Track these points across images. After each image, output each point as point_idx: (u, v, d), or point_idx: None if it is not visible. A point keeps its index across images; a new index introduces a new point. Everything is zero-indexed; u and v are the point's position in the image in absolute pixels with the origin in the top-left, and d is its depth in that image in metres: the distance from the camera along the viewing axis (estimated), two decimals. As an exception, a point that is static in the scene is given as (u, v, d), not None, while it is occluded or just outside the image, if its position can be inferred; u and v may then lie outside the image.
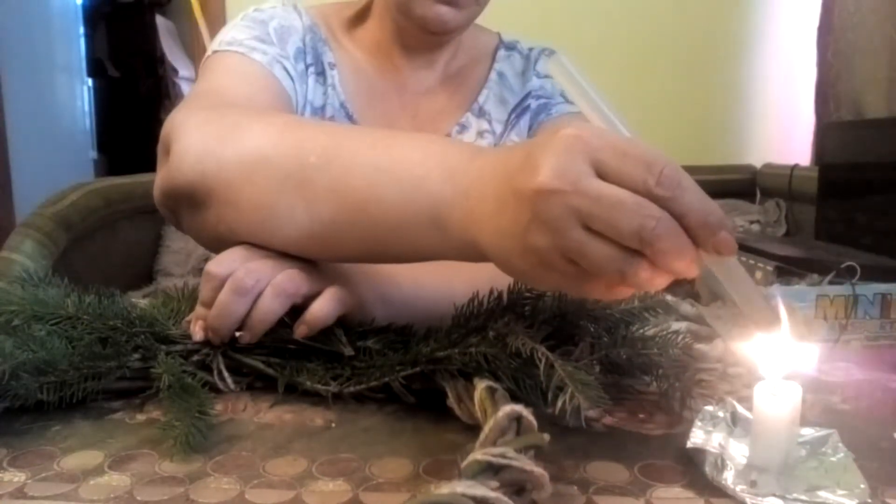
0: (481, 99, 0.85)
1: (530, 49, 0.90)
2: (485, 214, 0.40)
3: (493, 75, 0.87)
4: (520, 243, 0.37)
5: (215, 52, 0.73)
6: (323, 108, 0.80)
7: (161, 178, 0.57)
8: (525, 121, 0.87)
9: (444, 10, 0.74)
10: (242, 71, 0.71)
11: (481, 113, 0.85)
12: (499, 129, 0.85)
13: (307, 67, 0.79)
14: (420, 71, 0.84)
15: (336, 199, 0.47)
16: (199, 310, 0.51)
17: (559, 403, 0.40)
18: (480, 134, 0.84)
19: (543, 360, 0.42)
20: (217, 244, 0.54)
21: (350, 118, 0.80)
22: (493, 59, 0.88)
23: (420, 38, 0.80)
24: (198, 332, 0.51)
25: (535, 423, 0.36)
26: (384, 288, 0.56)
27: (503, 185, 0.38)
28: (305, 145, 0.50)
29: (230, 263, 0.50)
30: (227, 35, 0.75)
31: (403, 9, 0.76)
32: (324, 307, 0.50)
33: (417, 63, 0.84)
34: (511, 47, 0.90)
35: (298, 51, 0.78)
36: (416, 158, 0.45)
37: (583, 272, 0.36)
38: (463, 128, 0.84)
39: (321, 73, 0.80)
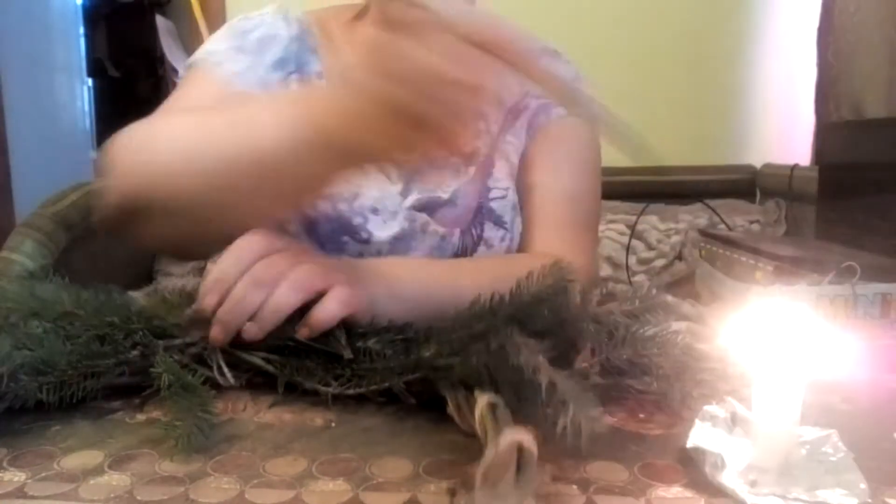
0: None
1: None
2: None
3: None
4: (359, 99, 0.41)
5: (192, 63, 0.75)
6: None
7: (108, 193, 0.57)
8: (522, 121, 0.85)
9: None
10: (206, 87, 0.72)
11: None
12: (494, 128, 0.84)
13: (289, 75, 0.78)
14: None
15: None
16: (210, 287, 0.50)
17: (560, 425, 0.40)
18: (476, 133, 0.83)
19: (545, 381, 0.42)
20: (175, 241, 0.54)
21: None
22: None
23: None
24: (211, 300, 0.50)
25: (535, 452, 0.35)
26: (393, 286, 0.56)
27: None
28: (214, 127, 0.53)
29: (254, 248, 0.50)
30: (208, 45, 0.76)
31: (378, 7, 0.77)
32: (328, 309, 0.50)
33: None
34: None
35: (279, 60, 0.77)
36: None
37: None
38: None
39: (305, 83, 0.80)
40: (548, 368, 0.42)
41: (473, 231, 0.78)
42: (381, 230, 0.76)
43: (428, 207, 0.77)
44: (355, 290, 0.52)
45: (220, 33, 0.78)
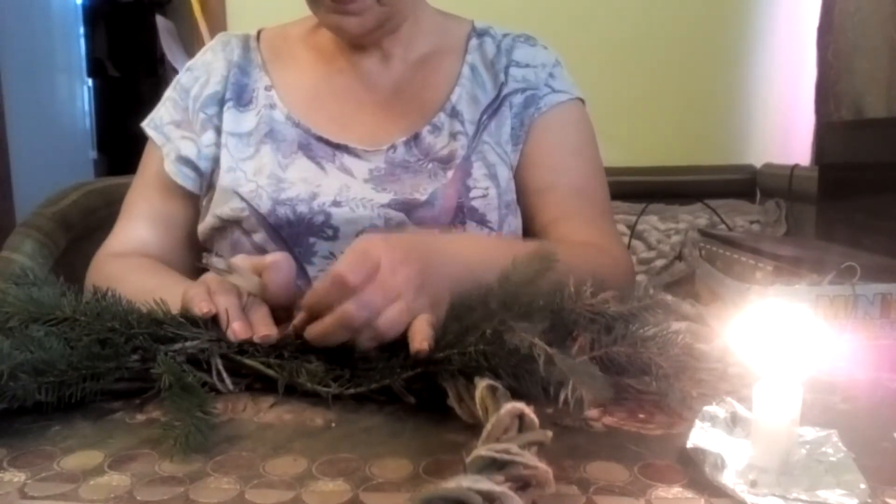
0: (454, 98, 0.83)
1: (504, 35, 0.88)
2: None
3: (465, 70, 0.84)
4: None
5: (145, 128, 0.85)
6: (250, 133, 0.82)
7: None
8: (503, 119, 0.83)
9: (340, 18, 0.75)
10: (153, 180, 0.84)
11: (454, 113, 0.82)
12: (471, 130, 0.82)
13: (224, 103, 0.83)
14: (377, 65, 0.84)
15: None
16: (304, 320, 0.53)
17: (561, 397, 0.40)
18: (454, 136, 0.81)
19: (542, 355, 0.42)
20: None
21: (298, 127, 0.81)
22: (465, 51, 0.86)
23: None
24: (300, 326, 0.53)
25: (536, 419, 0.36)
26: (464, 274, 0.57)
27: None
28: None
29: (350, 277, 0.50)
30: (158, 109, 0.86)
31: (316, 17, 0.79)
32: (425, 340, 0.49)
33: (371, 57, 0.84)
34: (483, 33, 0.88)
35: (213, 95, 0.83)
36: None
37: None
38: (435, 128, 0.81)
39: (248, 103, 0.83)
40: (544, 346, 0.43)
41: (454, 230, 0.78)
42: (349, 223, 0.76)
43: (404, 208, 0.77)
44: (440, 308, 0.53)
45: (170, 92, 0.87)
